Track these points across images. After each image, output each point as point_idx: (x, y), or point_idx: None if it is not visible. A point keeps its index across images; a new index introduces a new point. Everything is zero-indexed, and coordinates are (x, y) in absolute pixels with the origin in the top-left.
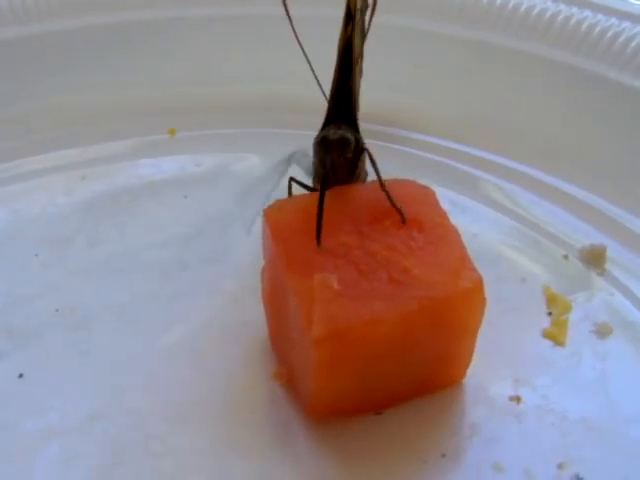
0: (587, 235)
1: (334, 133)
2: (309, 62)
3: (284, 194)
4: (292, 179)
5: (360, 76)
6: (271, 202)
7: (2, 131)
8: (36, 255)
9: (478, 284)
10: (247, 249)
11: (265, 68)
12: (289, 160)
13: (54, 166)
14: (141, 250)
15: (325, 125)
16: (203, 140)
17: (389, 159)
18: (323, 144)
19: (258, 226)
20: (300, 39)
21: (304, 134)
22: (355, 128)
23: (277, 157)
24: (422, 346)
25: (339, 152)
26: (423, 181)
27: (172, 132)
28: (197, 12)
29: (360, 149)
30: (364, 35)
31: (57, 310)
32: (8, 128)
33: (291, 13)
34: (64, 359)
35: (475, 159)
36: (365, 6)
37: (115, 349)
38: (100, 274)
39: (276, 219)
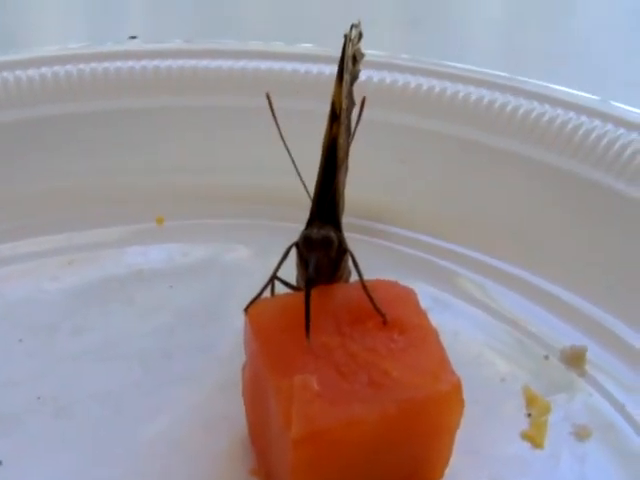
0: (568, 336)
1: (317, 233)
2: (293, 162)
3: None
4: (276, 277)
5: (346, 173)
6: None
7: None
8: (20, 340)
9: (456, 387)
10: (231, 341)
11: (256, 160)
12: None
13: (41, 251)
14: (125, 339)
15: (308, 224)
16: (191, 230)
17: (373, 254)
18: (306, 243)
19: (242, 319)
20: (287, 132)
21: (296, 227)
22: (338, 228)
23: (266, 249)
24: (400, 448)
25: (322, 252)
26: (406, 277)
27: (160, 221)
28: (191, 102)
29: (343, 250)
30: (350, 134)
31: (39, 398)
32: None
33: (281, 105)
34: (44, 448)
35: (458, 256)
36: (351, 105)
37: (96, 439)
38: (84, 362)
39: (258, 317)
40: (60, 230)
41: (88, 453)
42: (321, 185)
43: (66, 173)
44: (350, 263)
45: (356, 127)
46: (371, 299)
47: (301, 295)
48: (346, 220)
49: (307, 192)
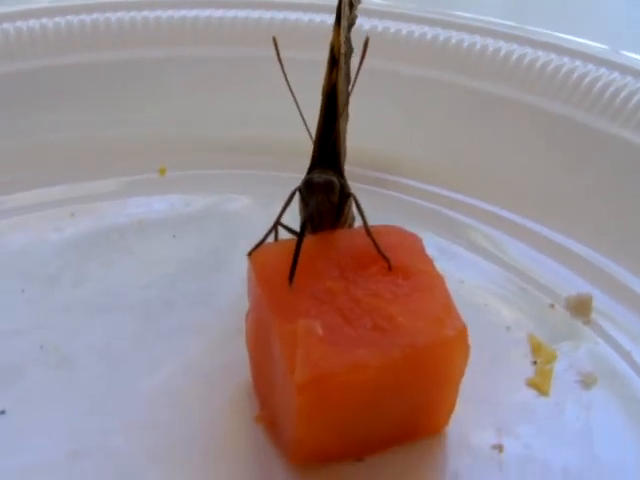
0: (573, 284)
1: (319, 177)
2: (298, 106)
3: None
4: (279, 223)
5: (346, 121)
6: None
7: None
8: (22, 291)
9: (462, 333)
10: (233, 291)
11: (258, 110)
12: (286, 203)
13: (43, 202)
14: (127, 289)
15: (310, 170)
16: (193, 180)
17: (377, 204)
18: (308, 187)
19: (245, 269)
20: (291, 81)
21: (296, 177)
22: (340, 174)
23: (268, 199)
24: (405, 393)
25: (324, 195)
26: (411, 226)
27: (162, 171)
28: (193, 52)
29: (346, 194)
30: (350, 80)
31: (41, 347)
32: None
33: (284, 55)
34: (46, 397)
35: (464, 206)
36: (350, 50)
37: (97, 389)
38: (86, 313)
39: (262, 263)
40: (62, 182)
41: (90, 403)
42: (322, 131)
43: (68, 125)
44: (354, 209)
45: (359, 68)
46: (375, 244)
47: (305, 240)
48: (350, 169)
49: (311, 137)
